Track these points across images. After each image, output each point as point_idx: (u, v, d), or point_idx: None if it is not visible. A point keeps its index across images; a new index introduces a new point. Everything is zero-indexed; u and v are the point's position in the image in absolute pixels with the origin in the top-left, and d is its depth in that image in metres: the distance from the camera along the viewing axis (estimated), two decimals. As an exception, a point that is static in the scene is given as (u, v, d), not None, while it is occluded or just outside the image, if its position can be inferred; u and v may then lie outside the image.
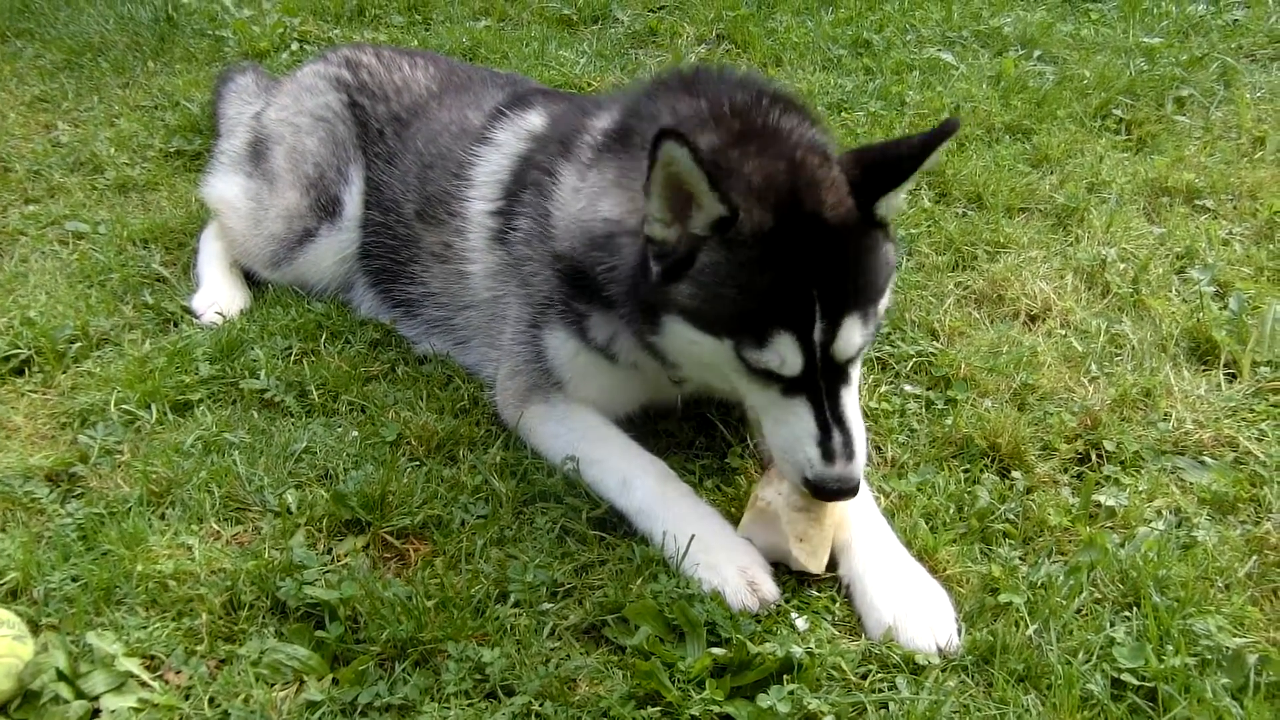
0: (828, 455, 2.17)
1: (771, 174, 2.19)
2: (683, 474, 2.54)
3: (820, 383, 2.18)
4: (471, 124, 3.09)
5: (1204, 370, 3.01)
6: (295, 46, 5.41)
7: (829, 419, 2.19)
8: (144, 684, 2.01)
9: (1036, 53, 5.24)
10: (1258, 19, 5.63)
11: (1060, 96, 4.69)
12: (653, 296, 2.27)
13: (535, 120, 2.92)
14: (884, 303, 2.30)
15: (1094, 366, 2.99)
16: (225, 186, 3.47)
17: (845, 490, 2.20)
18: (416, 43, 5.46)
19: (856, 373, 2.28)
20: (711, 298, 2.18)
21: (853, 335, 2.16)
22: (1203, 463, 2.65)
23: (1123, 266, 3.49)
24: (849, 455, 2.18)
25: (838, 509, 2.28)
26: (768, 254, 2.13)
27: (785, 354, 2.14)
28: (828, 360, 2.17)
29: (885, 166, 2.21)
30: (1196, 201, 3.92)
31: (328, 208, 3.29)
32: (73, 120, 4.67)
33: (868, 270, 2.20)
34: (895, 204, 2.28)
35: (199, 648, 2.09)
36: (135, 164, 4.24)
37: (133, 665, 2.02)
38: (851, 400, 2.24)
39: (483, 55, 5.30)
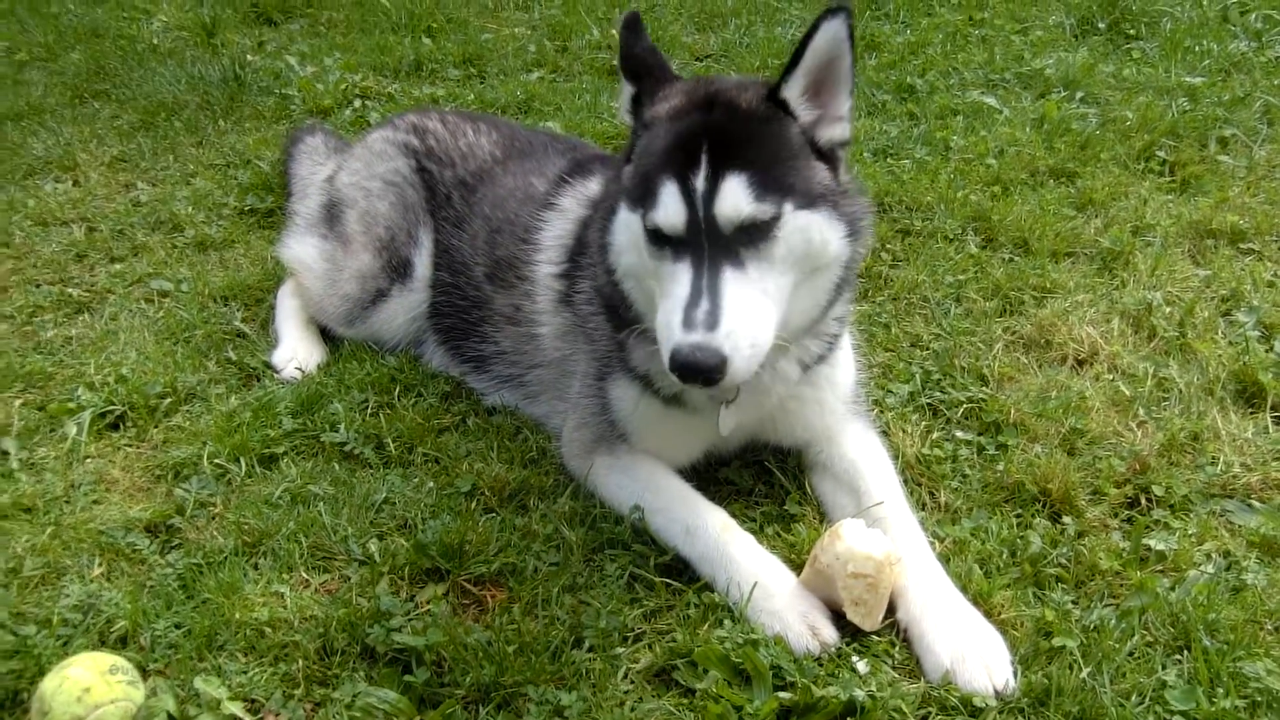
0: (687, 322, 2.14)
1: (696, 86, 2.47)
2: (743, 521, 2.64)
3: (704, 246, 2.21)
4: (536, 190, 3.25)
5: (1251, 413, 3.07)
6: (357, 103, 5.62)
7: (703, 287, 2.17)
8: (248, 726, 2.16)
9: (1079, 94, 5.29)
10: (1300, 55, 5.66)
11: (1103, 139, 4.76)
12: (612, 198, 2.53)
13: (595, 187, 3.07)
14: (791, 202, 2.26)
15: (1142, 410, 3.06)
16: (301, 248, 3.66)
17: (702, 368, 2.11)
18: (472, 96, 5.65)
19: (757, 267, 2.23)
20: (636, 172, 2.41)
21: (737, 194, 2.21)
22: (1251, 506, 2.71)
23: (1169, 310, 3.55)
24: (710, 324, 2.12)
25: (894, 573, 2.33)
26: (674, 123, 2.37)
27: (668, 204, 2.24)
28: (712, 222, 2.22)
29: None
30: (1241, 244, 3.97)
31: (399, 269, 3.46)
32: (151, 179, 4.90)
33: (766, 141, 2.33)
34: (833, 118, 2.41)
35: (296, 691, 2.24)
36: (212, 222, 4.45)
37: (237, 709, 2.17)
38: (738, 282, 2.19)
39: (536, 108, 5.48)
